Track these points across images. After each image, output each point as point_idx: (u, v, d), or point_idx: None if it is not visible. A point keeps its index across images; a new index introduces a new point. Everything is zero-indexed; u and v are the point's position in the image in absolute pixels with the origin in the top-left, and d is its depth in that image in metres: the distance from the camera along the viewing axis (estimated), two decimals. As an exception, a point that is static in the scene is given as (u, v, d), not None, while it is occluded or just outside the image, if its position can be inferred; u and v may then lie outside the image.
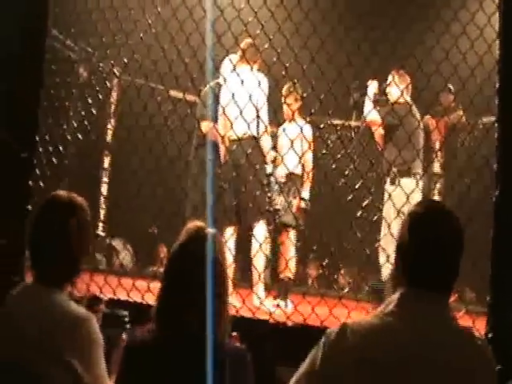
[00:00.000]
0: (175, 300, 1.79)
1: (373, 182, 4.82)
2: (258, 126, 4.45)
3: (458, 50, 3.80)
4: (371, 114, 4.84)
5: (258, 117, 4.38)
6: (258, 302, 4.18)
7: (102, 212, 5.93)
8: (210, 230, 1.88)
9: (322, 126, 5.39)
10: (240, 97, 4.13)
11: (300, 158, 4.51)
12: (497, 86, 2.90)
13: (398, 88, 4.79)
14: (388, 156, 4.71)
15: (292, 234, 4.93)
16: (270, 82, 4.54)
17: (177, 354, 1.76)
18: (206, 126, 4.73)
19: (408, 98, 4.92)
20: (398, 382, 1.58)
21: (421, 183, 4.68)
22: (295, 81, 4.54)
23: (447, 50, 3.82)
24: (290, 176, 4.95)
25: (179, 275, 1.82)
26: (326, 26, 4.03)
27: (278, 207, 4.84)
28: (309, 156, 4.93)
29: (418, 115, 4.87)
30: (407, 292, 1.68)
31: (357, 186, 4.38)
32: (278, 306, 4.47)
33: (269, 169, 4.65)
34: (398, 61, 4.56)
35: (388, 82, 4.96)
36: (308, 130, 4.90)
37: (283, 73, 4.00)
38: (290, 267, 4.76)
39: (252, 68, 4.48)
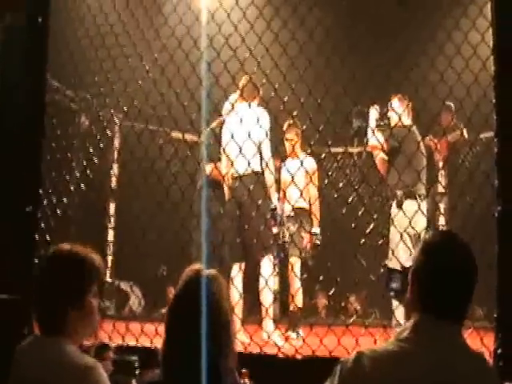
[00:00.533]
0: (177, 345, 1.82)
1: (376, 207, 4.82)
2: (260, 162, 4.50)
3: (454, 71, 3.83)
4: (374, 138, 4.88)
5: (259, 152, 4.44)
6: (267, 336, 4.18)
7: (110, 258, 5.94)
8: (208, 272, 1.89)
9: (322, 156, 5.42)
10: (239, 134, 4.19)
11: (301, 192, 4.54)
12: (493, 101, 2.92)
13: (398, 112, 4.86)
14: (391, 180, 4.73)
15: (298, 265, 4.97)
16: (271, 117, 4.59)
17: None
18: (209, 167, 4.79)
19: (409, 122, 4.96)
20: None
21: (425, 204, 4.70)
22: (294, 114, 4.58)
23: (442, 72, 3.85)
24: (297, 211, 4.99)
25: (179, 320, 1.85)
26: (321, 57, 4.08)
27: (286, 240, 4.85)
28: (314, 190, 4.99)
29: (419, 138, 4.89)
30: (422, 318, 1.69)
31: (360, 213, 4.39)
32: (287, 338, 4.44)
33: (274, 203, 4.67)
34: (394, 86, 4.60)
35: (389, 106, 5.02)
36: (311, 163, 4.97)
37: (281, 107, 4.04)
38: (299, 297, 4.81)
39: (250, 104, 4.53)
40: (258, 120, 4.25)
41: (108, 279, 5.87)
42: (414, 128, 4.96)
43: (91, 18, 4.23)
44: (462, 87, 3.82)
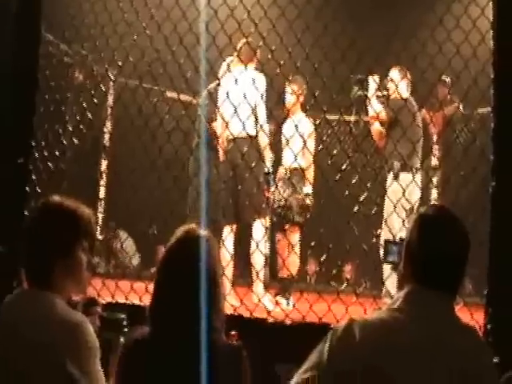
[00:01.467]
0: (167, 302, 1.83)
1: (370, 177, 4.82)
2: (255, 125, 4.48)
3: (452, 43, 3.80)
4: (376, 107, 4.87)
5: (254, 115, 4.41)
6: (257, 300, 4.20)
7: (101, 215, 5.94)
8: (201, 232, 1.89)
9: (317, 122, 5.38)
10: (234, 96, 4.16)
11: (296, 153, 4.47)
12: (492, 76, 2.91)
13: (396, 83, 4.85)
14: (388, 151, 4.73)
15: (297, 230, 4.93)
16: (267, 80, 4.55)
17: (171, 352, 1.78)
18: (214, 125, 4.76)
19: (407, 94, 4.95)
20: (408, 377, 1.59)
21: (419, 177, 4.71)
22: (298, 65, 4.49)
23: (441, 44, 3.83)
24: (292, 171, 4.90)
25: (168, 278, 1.86)
26: (320, 22, 4.03)
27: (282, 203, 4.82)
28: (309, 152, 4.85)
29: (415, 110, 4.88)
30: (414, 289, 1.71)
31: (353, 181, 4.39)
32: (277, 303, 4.47)
33: (267, 166, 4.65)
34: (393, 55, 4.57)
35: (389, 77, 4.99)
36: (306, 124, 4.89)
37: (278, 71, 4.01)
38: (293, 264, 4.79)
39: (246, 67, 4.49)
40: (253, 82, 4.21)
41: (98, 236, 5.87)
42: (412, 100, 4.96)
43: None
44: (460, 60, 3.79)
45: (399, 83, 4.91)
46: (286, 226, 4.91)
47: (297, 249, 4.87)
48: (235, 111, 4.04)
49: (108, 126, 5.62)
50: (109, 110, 5.59)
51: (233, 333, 2.06)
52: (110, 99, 5.71)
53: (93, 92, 4.43)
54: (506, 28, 2.90)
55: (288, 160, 4.84)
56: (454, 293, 1.75)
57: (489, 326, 2.64)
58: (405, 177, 4.51)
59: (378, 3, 5.24)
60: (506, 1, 2.94)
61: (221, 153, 4.62)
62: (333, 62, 3.93)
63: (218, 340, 1.81)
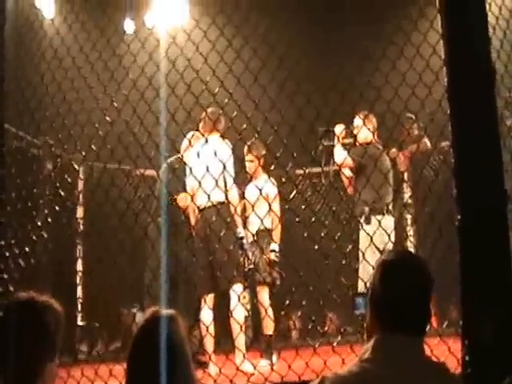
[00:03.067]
0: (138, 381, 1.85)
1: (340, 228, 4.82)
2: (225, 193, 4.55)
3: (407, 85, 3.89)
4: (341, 155, 4.94)
5: (224, 181, 4.48)
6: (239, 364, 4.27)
7: (80, 301, 5.87)
8: (166, 312, 1.92)
9: (283, 179, 5.45)
10: (198, 170, 4.27)
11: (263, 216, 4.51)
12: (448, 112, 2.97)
13: (360, 130, 4.96)
14: (357, 197, 4.78)
15: (264, 293, 5.02)
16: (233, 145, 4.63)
17: None
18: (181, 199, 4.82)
19: (371, 139, 5.05)
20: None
21: (390, 218, 4.77)
22: (254, 138, 4.64)
23: (396, 87, 3.91)
24: (259, 234, 5.00)
25: (138, 364, 1.88)
26: (275, 84, 4.12)
27: (251, 266, 4.91)
28: (275, 209, 4.95)
29: (377, 154, 4.94)
30: (382, 337, 1.73)
31: (323, 234, 4.43)
32: (255, 368, 4.38)
33: (240, 231, 4.73)
34: (349, 104, 4.65)
35: (355, 124, 5.13)
36: (270, 187, 5.03)
37: (238, 137, 4.08)
38: (269, 324, 4.88)
39: (207, 139, 4.54)
40: (215, 154, 4.24)
41: (80, 322, 5.79)
42: (376, 144, 5.04)
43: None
44: (416, 101, 3.88)
45: (361, 129, 5.01)
46: (258, 288, 5.02)
47: (269, 310, 4.89)
48: (200, 184, 4.11)
49: (80, 212, 5.63)
50: (80, 197, 5.61)
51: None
52: (80, 184, 5.74)
53: (63, 181, 4.47)
54: (457, 63, 2.98)
55: (254, 224, 4.92)
56: (422, 334, 1.78)
57: (467, 358, 2.62)
58: (375, 220, 4.54)
59: (333, 55, 5.35)
60: (456, 38, 3.02)
61: (192, 222, 4.70)
62: (292, 120, 4.01)
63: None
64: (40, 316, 1.95)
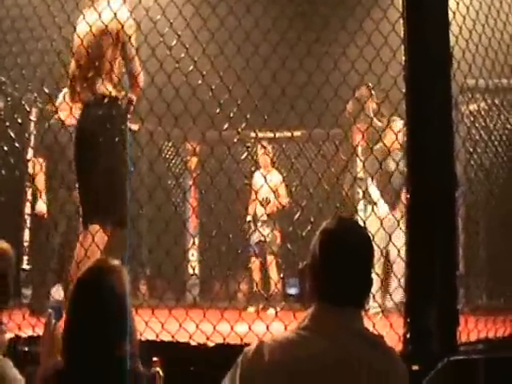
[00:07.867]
0: (77, 331, 1.84)
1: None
2: None
3: (365, 60, 3.91)
4: None
5: None
6: None
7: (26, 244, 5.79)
8: (110, 263, 1.93)
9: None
10: None
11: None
12: (403, 90, 3.03)
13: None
14: None
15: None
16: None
17: (85, 381, 1.81)
18: None
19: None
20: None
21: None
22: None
23: (353, 61, 3.93)
24: (270, 215, 6.29)
25: (78, 308, 1.87)
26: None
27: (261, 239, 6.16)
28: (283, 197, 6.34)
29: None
30: (318, 307, 1.74)
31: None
32: None
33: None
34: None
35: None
36: (276, 178, 6.41)
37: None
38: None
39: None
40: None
41: (25, 266, 5.73)
42: None
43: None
44: (373, 77, 3.90)
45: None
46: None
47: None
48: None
49: (29, 153, 5.48)
50: (32, 139, 5.47)
51: (155, 359, 2.07)
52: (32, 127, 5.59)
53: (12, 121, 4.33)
54: (416, 43, 3.04)
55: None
56: (361, 305, 1.78)
57: (408, 335, 2.74)
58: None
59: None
60: (415, 17, 3.07)
61: None
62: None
63: (132, 367, 1.84)
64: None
